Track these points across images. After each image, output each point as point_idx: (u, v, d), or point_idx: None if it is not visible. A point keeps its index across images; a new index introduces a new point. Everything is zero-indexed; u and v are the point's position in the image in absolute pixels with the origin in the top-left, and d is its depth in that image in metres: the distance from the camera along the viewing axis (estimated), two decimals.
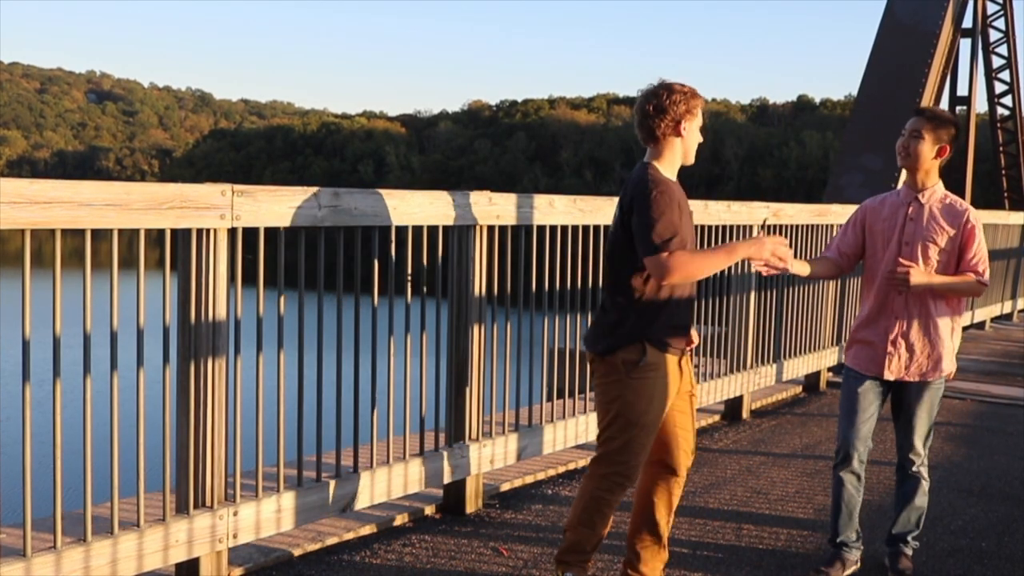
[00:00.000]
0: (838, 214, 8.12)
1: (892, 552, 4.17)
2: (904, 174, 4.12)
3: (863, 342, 4.08)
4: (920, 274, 3.90)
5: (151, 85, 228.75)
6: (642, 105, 3.52)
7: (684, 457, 3.63)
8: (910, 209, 4.03)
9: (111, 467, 3.23)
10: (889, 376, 4.02)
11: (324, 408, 3.85)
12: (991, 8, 19.93)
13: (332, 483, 3.96)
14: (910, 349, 4.00)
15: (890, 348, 4.01)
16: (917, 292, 3.95)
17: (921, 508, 4.15)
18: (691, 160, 3.64)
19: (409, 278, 4.25)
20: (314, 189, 3.79)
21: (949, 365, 4.04)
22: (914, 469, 4.10)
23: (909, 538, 4.16)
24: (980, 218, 4.04)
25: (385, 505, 4.45)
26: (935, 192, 4.05)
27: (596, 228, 5.31)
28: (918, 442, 4.07)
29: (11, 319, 2.96)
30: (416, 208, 4.23)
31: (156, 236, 3.40)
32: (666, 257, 3.30)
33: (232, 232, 3.50)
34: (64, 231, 3.03)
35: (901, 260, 3.91)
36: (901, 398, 4.08)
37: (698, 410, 6.61)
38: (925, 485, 4.13)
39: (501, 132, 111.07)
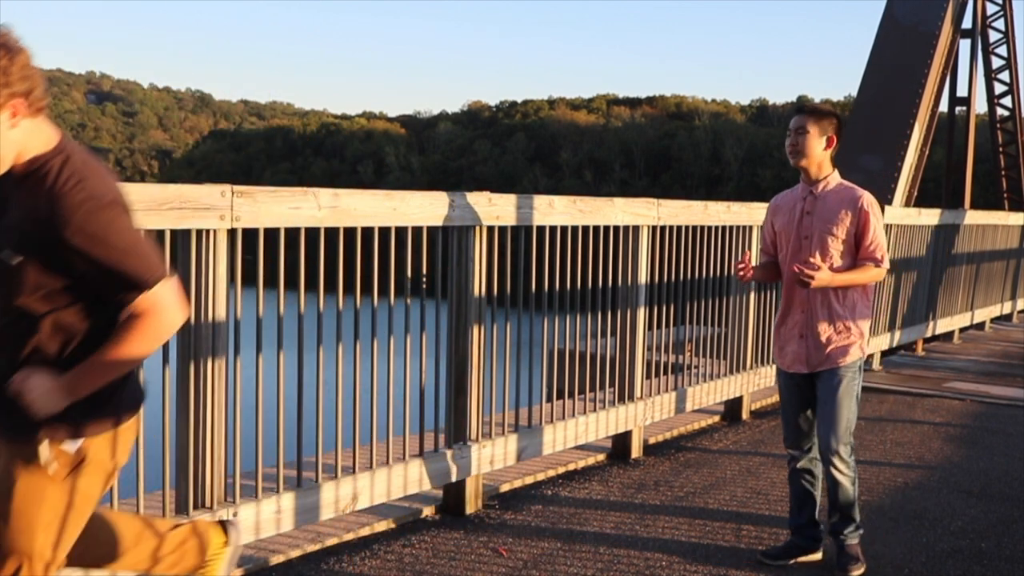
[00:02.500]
0: None
1: (835, 547, 4.16)
2: (803, 173, 4.15)
3: (780, 338, 4.19)
4: (822, 278, 3.91)
5: (151, 86, 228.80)
6: None
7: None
8: (806, 203, 4.11)
9: None
10: (803, 369, 4.10)
11: (324, 409, 3.85)
12: (991, 9, 19.95)
13: (332, 484, 3.96)
14: (816, 340, 4.05)
15: (799, 342, 4.09)
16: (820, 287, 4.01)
17: (847, 499, 4.10)
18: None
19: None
20: (314, 190, 3.80)
21: (858, 352, 4.06)
22: (832, 459, 4.05)
23: (846, 531, 4.13)
24: (875, 203, 4.07)
25: (385, 506, 4.45)
26: (829, 183, 4.11)
27: (596, 228, 5.31)
28: (832, 432, 4.02)
29: None
30: (416, 209, 4.23)
31: (156, 237, 3.39)
32: None
33: (232, 233, 3.50)
34: None
35: (799, 267, 3.89)
36: (817, 388, 4.10)
37: (698, 411, 6.65)
38: (843, 478, 4.07)
39: (501, 133, 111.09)
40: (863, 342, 4.09)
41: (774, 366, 7.22)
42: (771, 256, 4.28)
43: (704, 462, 5.83)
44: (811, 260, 3.96)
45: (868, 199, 4.05)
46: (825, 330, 4.05)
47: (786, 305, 4.16)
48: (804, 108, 4.17)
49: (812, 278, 3.88)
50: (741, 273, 4.05)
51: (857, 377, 4.09)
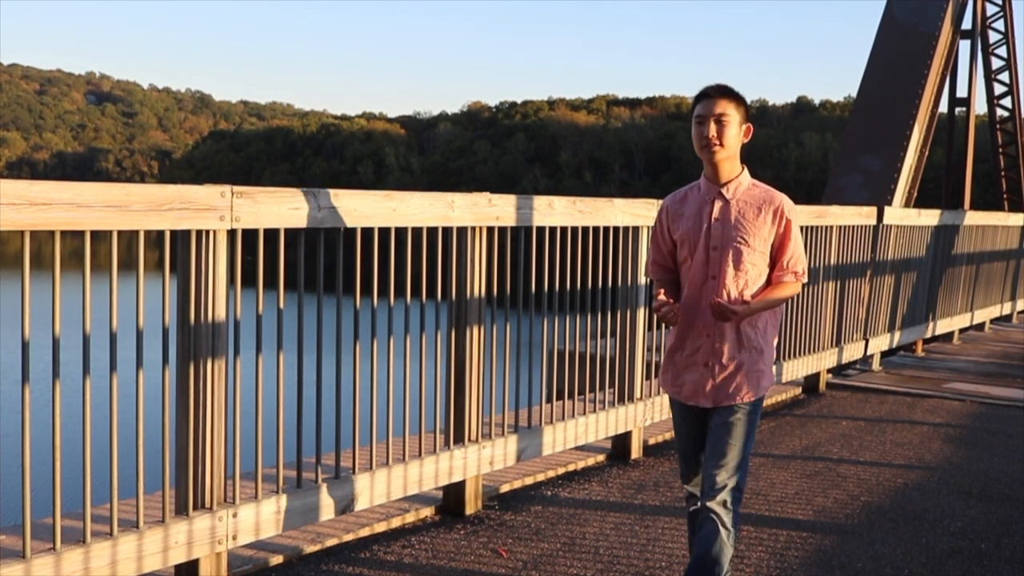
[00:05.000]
0: (837, 215, 8.13)
1: None
2: (708, 167, 3.43)
3: (675, 365, 3.48)
4: (744, 310, 3.30)
5: (150, 86, 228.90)
6: None
7: None
8: (715, 207, 3.39)
9: (111, 468, 3.23)
10: (706, 403, 3.41)
11: (324, 409, 3.85)
12: (990, 9, 19.95)
13: (332, 484, 3.96)
14: (724, 370, 3.38)
15: (703, 372, 3.40)
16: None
17: (716, 556, 3.27)
18: None
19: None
20: (314, 190, 3.80)
21: (768, 383, 3.45)
22: (711, 505, 3.31)
23: None
24: (795, 208, 3.45)
25: (385, 506, 4.45)
26: (741, 183, 3.41)
27: (596, 229, 5.31)
28: (721, 474, 3.33)
29: (11, 320, 2.96)
30: (416, 209, 4.23)
31: (156, 238, 3.40)
32: None
33: (232, 233, 3.50)
34: (64, 232, 3.04)
35: (718, 303, 3.26)
36: (710, 423, 3.43)
37: None
38: (724, 533, 3.30)
39: (500, 133, 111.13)
40: (772, 373, 3.49)
41: (774, 367, 7.27)
42: (666, 270, 3.53)
43: None
44: (723, 297, 3.32)
45: (788, 204, 3.42)
46: (733, 358, 3.38)
47: (685, 326, 3.42)
48: (721, 89, 3.38)
49: (735, 314, 3.26)
50: (670, 316, 3.33)
51: (758, 415, 3.44)
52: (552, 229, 5.00)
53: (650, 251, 3.61)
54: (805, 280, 3.48)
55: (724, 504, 3.31)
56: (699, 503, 3.42)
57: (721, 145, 3.34)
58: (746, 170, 3.43)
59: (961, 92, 20.23)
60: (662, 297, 3.35)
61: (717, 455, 3.36)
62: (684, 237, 3.43)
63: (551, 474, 5.41)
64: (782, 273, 3.40)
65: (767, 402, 7.68)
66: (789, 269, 3.40)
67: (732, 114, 3.34)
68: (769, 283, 3.40)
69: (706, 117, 3.33)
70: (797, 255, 3.41)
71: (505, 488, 5.09)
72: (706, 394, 3.41)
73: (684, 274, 3.46)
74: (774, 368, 3.53)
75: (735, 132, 3.36)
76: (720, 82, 3.39)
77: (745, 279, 3.36)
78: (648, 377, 5.95)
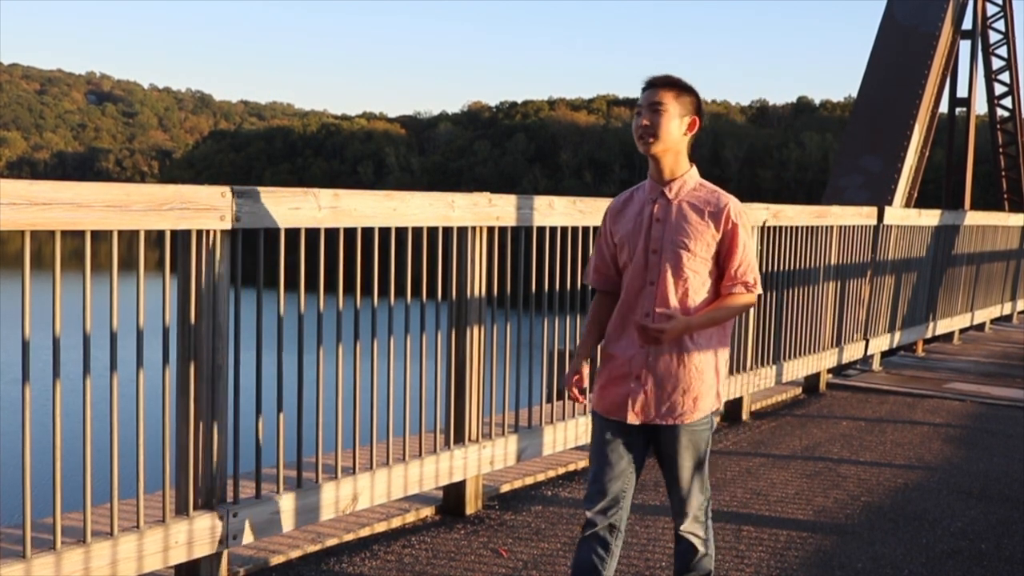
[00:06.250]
0: (838, 215, 8.13)
1: None
2: (654, 165, 3.16)
3: (603, 374, 3.20)
4: (678, 323, 3.01)
5: (151, 86, 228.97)
6: None
7: None
8: (656, 207, 3.11)
9: (111, 468, 3.23)
10: (634, 420, 3.11)
11: (324, 409, 3.85)
12: (991, 10, 19.95)
13: (332, 484, 3.96)
14: (659, 385, 3.08)
15: (634, 384, 3.10)
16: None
17: (706, 570, 3.22)
18: None
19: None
20: (314, 190, 3.80)
21: (712, 402, 3.15)
22: (683, 530, 3.19)
23: None
24: (745, 211, 3.14)
25: (385, 506, 4.45)
26: (686, 182, 3.12)
27: (596, 229, 5.30)
28: (686, 498, 3.16)
29: (11, 320, 2.96)
30: (416, 209, 4.23)
31: (156, 238, 3.40)
32: None
33: (232, 233, 3.50)
34: (64, 232, 3.04)
35: (642, 325, 3.01)
36: (659, 446, 3.17)
37: None
38: (703, 552, 3.20)
39: (501, 133, 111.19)
40: (718, 390, 3.17)
41: (773, 367, 7.30)
42: (607, 278, 3.25)
43: None
44: (662, 306, 3.05)
45: (736, 207, 3.10)
46: (671, 373, 3.07)
47: (618, 332, 3.15)
48: (659, 79, 3.13)
49: (662, 333, 2.98)
50: (582, 399, 3.28)
51: (708, 432, 3.18)
52: (552, 229, 5.00)
53: (592, 256, 3.37)
54: (758, 291, 3.13)
55: (697, 526, 3.19)
56: (598, 527, 3.16)
57: (655, 137, 3.06)
58: (694, 169, 3.16)
59: (961, 92, 20.25)
60: (575, 376, 3.24)
61: (673, 482, 3.16)
62: (624, 240, 3.16)
63: (551, 474, 5.41)
64: (731, 284, 3.08)
65: (767, 402, 7.68)
66: (739, 279, 3.08)
67: (670, 104, 3.06)
68: (718, 295, 3.11)
69: (641, 107, 3.10)
70: (747, 263, 3.09)
71: (505, 488, 5.09)
72: (635, 411, 3.10)
73: (626, 281, 3.17)
74: (721, 382, 3.17)
75: (674, 124, 3.07)
76: (669, 73, 3.15)
77: (685, 287, 3.06)
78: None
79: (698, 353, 3.08)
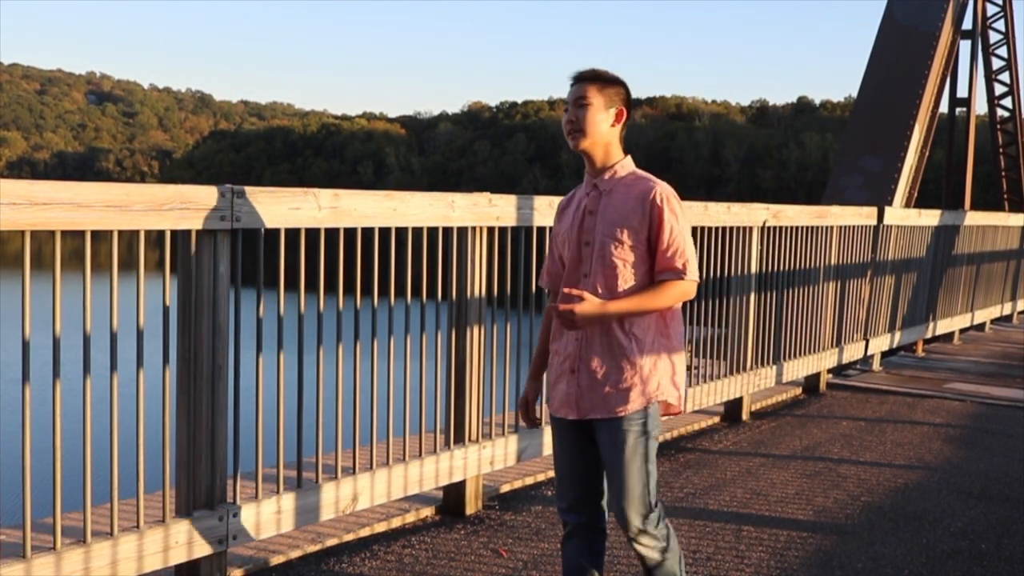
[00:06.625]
0: (838, 215, 8.13)
1: None
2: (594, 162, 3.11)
3: (552, 372, 3.16)
4: (590, 304, 2.91)
5: (151, 86, 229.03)
6: None
7: None
8: (589, 199, 3.08)
9: (111, 468, 3.23)
10: (571, 414, 3.07)
11: (324, 409, 3.85)
12: (991, 10, 19.95)
13: (332, 484, 3.96)
14: (590, 378, 3.02)
15: (570, 379, 3.06)
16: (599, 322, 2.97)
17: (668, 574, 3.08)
18: None
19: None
20: (314, 190, 3.80)
21: (650, 395, 3.02)
22: (633, 536, 3.03)
23: None
24: (674, 196, 3.04)
25: (385, 506, 4.45)
26: (616, 172, 3.07)
27: None
28: (627, 505, 3.01)
29: (11, 320, 2.96)
30: (416, 209, 4.23)
31: (156, 238, 3.40)
32: None
33: (232, 233, 3.50)
34: (64, 232, 3.04)
35: (556, 306, 2.94)
36: (596, 442, 3.09)
37: (698, 411, 6.65)
38: (652, 553, 3.04)
39: (501, 133, 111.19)
40: (658, 382, 3.03)
41: (773, 367, 7.30)
42: (558, 276, 3.19)
43: (704, 463, 5.83)
44: (572, 292, 2.95)
45: (663, 191, 3.01)
46: (600, 366, 3.00)
47: (557, 331, 3.12)
48: (583, 74, 3.09)
49: (572, 314, 2.90)
50: (532, 424, 3.29)
51: (647, 429, 3.04)
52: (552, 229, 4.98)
53: (547, 261, 3.27)
54: (692, 278, 2.99)
55: (644, 532, 3.02)
56: (574, 531, 3.16)
57: (582, 133, 3.03)
58: (627, 159, 3.09)
59: (961, 92, 20.25)
60: (523, 402, 3.27)
61: (616, 487, 3.02)
62: (564, 236, 3.13)
63: (551, 474, 5.40)
64: (660, 270, 2.98)
65: (767, 402, 7.68)
66: (668, 265, 2.97)
67: (595, 98, 3.02)
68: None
69: (568, 103, 3.08)
70: (676, 248, 2.97)
71: (505, 488, 5.09)
72: (572, 404, 3.06)
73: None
74: (666, 378, 3.05)
75: (600, 118, 3.03)
76: (595, 67, 3.12)
77: (616, 277, 2.99)
78: (686, 383, 5.93)
79: (631, 344, 3.00)
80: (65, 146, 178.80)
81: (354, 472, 4.06)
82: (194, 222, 3.37)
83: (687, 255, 2.98)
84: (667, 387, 3.06)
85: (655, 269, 2.99)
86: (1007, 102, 21.32)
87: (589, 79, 3.05)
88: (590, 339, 3.02)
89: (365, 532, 4.36)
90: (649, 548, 3.04)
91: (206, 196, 3.40)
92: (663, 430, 6.38)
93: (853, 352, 8.80)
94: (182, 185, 3.37)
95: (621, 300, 2.96)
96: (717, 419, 7.02)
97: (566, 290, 2.98)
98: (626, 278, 3.00)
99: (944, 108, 19.39)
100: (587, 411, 3.04)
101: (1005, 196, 22.21)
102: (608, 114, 3.04)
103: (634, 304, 2.96)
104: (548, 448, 5.11)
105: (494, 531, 4.48)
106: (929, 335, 10.83)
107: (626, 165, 3.08)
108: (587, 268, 3.04)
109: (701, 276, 6.26)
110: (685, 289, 3.00)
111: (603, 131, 3.04)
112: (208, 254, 3.43)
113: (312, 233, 3.80)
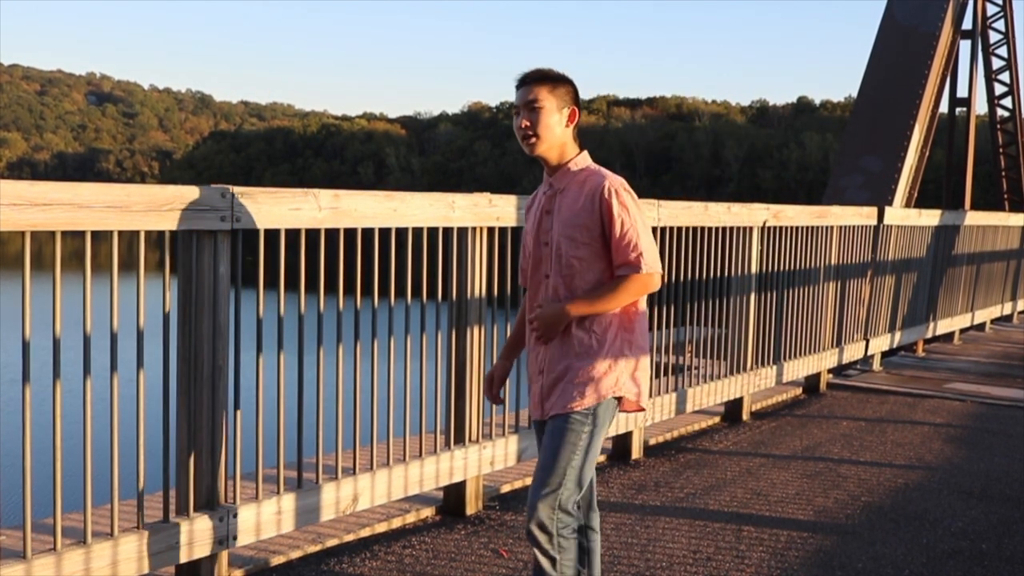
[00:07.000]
0: (838, 215, 8.14)
1: None
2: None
3: (529, 378, 3.17)
4: (547, 313, 2.97)
5: (151, 87, 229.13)
6: None
7: None
8: (546, 199, 3.09)
9: (111, 469, 3.23)
10: (536, 414, 3.10)
11: (324, 410, 3.85)
12: (991, 10, 19.94)
13: (332, 485, 3.96)
14: (551, 378, 3.02)
15: (536, 380, 3.07)
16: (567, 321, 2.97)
17: None
18: None
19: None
20: (314, 191, 3.80)
21: (603, 393, 2.96)
22: (532, 527, 2.93)
23: None
24: (625, 188, 3.00)
25: (385, 507, 4.45)
26: (570, 169, 3.05)
27: None
28: (538, 491, 2.94)
29: (11, 321, 2.96)
30: (416, 210, 4.23)
31: (156, 238, 3.40)
32: None
33: (232, 234, 3.50)
34: (64, 233, 3.04)
35: (530, 320, 2.98)
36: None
37: (698, 412, 6.65)
38: (546, 563, 2.93)
39: (501, 133, 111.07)
40: (616, 378, 2.97)
41: (773, 367, 7.30)
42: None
43: (704, 463, 5.83)
44: (554, 299, 2.97)
45: (614, 183, 2.97)
46: (561, 365, 2.98)
47: (528, 333, 3.13)
48: (531, 76, 3.03)
49: (535, 322, 2.98)
50: (496, 402, 3.30)
51: (592, 427, 2.96)
52: None
53: (521, 261, 3.25)
54: (650, 270, 2.94)
55: (543, 527, 2.92)
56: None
57: (537, 137, 3.00)
58: (583, 155, 3.07)
59: (961, 92, 20.22)
60: (488, 379, 3.25)
61: (539, 471, 2.97)
62: (529, 236, 3.13)
63: None
64: (617, 266, 2.95)
65: (768, 402, 7.68)
66: (623, 260, 2.93)
67: (546, 100, 2.98)
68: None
69: (519, 107, 3.03)
70: (631, 240, 2.93)
71: (506, 488, 5.09)
72: (537, 405, 3.06)
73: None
74: (626, 374, 3.00)
75: (553, 120, 3.00)
76: (541, 66, 3.07)
77: (574, 276, 2.97)
78: (649, 378, 5.94)
79: (591, 340, 2.97)
80: (65, 147, 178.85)
81: (354, 472, 4.06)
82: (194, 223, 3.37)
83: (642, 247, 2.94)
84: (626, 383, 3.01)
85: (614, 262, 2.96)
86: (1007, 102, 21.30)
87: (539, 80, 3.01)
88: (553, 341, 3.01)
89: (365, 532, 4.36)
90: (540, 547, 2.93)
91: (206, 197, 3.40)
92: (663, 430, 6.38)
93: (853, 352, 8.80)
94: (182, 186, 3.37)
95: (580, 301, 2.95)
96: (717, 419, 7.02)
97: (529, 317, 3.00)
98: (585, 277, 2.98)
99: (944, 108, 19.38)
100: (548, 410, 3.03)
101: (1005, 196, 22.19)
102: (561, 115, 3.01)
103: (592, 301, 2.95)
104: None
105: (494, 531, 4.48)
106: (929, 335, 10.83)
107: (579, 161, 3.06)
108: (547, 269, 3.04)
109: (702, 275, 6.30)
110: (644, 282, 2.95)
111: (557, 133, 3.01)
112: (208, 255, 3.43)
113: (312, 234, 3.80)
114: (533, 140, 3.01)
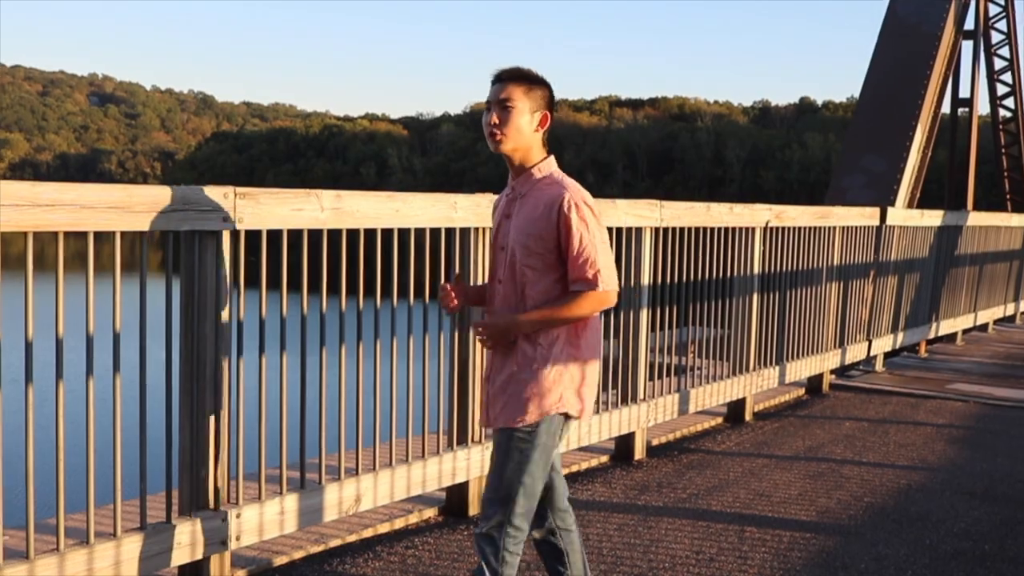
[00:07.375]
0: (840, 216, 8.13)
1: None
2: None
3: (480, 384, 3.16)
4: (498, 324, 2.94)
5: (153, 87, 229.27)
6: None
7: None
8: (507, 203, 3.03)
9: (114, 469, 3.23)
10: (484, 422, 3.08)
11: (327, 410, 3.86)
12: (993, 10, 19.95)
13: (335, 485, 3.96)
14: (496, 386, 2.99)
15: (484, 386, 3.06)
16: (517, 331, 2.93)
17: None
18: None
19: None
20: (316, 191, 3.80)
21: (548, 406, 2.91)
22: (477, 535, 2.96)
23: None
24: (590, 202, 2.92)
25: (388, 507, 4.45)
26: (533, 175, 2.97)
27: None
28: (488, 502, 2.95)
29: (14, 321, 2.96)
30: (418, 210, 4.23)
31: (159, 239, 3.40)
32: None
33: (235, 235, 3.50)
34: (66, 234, 3.04)
35: (473, 326, 2.97)
36: None
37: (701, 412, 6.64)
38: (486, 567, 2.91)
39: None
40: (560, 394, 2.92)
41: (776, 368, 7.29)
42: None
43: (707, 464, 5.83)
44: (501, 305, 2.97)
45: (575, 196, 2.89)
46: (504, 375, 2.95)
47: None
48: (506, 73, 2.97)
49: (481, 334, 2.94)
50: (446, 303, 3.13)
51: (534, 444, 2.91)
52: None
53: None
54: (607, 287, 2.88)
55: (491, 539, 2.91)
56: (538, 532, 3.12)
57: (504, 135, 2.92)
58: (548, 160, 2.99)
59: (964, 93, 20.23)
60: (447, 285, 3.13)
61: (489, 482, 2.98)
62: (492, 239, 3.11)
63: None
64: (572, 281, 2.88)
65: (770, 402, 7.68)
66: (579, 276, 2.86)
67: (519, 101, 2.92)
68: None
69: (491, 103, 2.95)
70: (587, 257, 2.86)
71: None
72: (484, 411, 3.05)
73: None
74: (571, 391, 2.94)
75: (524, 121, 2.92)
76: (518, 65, 3.01)
77: (524, 285, 2.92)
78: (651, 378, 5.94)
79: (535, 352, 2.91)
80: (67, 148, 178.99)
81: (357, 473, 4.06)
82: (197, 223, 3.37)
83: (599, 264, 2.87)
84: (570, 399, 2.95)
85: (568, 279, 2.90)
86: (1009, 102, 21.30)
87: (515, 79, 2.94)
88: (496, 350, 2.99)
89: (368, 533, 4.36)
90: (485, 558, 2.92)
91: (209, 197, 3.40)
92: (666, 430, 6.38)
93: (856, 353, 8.80)
94: (185, 187, 3.37)
95: (532, 313, 2.90)
96: (720, 420, 7.01)
97: (474, 324, 2.97)
98: (536, 287, 2.92)
99: (946, 108, 19.38)
100: (492, 420, 3.01)
101: (1007, 196, 22.18)
102: (533, 118, 2.94)
103: (545, 316, 2.89)
104: None
105: None
106: (932, 336, 10.82)
107: (544, 168, 2.98)
108: (500, 274, 3.00)
109: (704, 276, 6.30)
110: (600, 299, 2.90)
111: (526, 135, 2.94)
112: (211, 255, 3.43)
113: (315, 234, 3.80)
114: (499, 137, 2.93)
